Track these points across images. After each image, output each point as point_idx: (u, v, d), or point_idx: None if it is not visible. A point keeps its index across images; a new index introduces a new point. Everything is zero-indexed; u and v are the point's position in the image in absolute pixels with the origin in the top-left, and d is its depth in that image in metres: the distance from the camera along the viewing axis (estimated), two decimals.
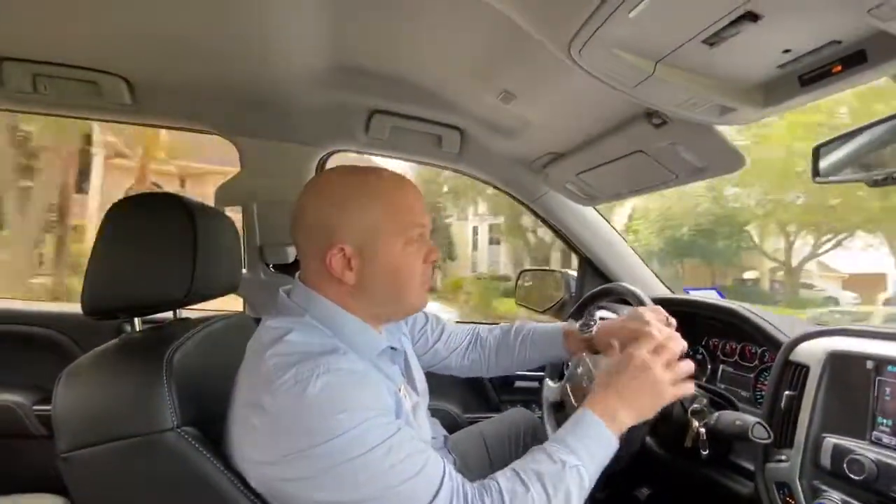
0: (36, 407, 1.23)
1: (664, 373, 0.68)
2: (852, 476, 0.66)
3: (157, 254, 0.69)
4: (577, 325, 0.92)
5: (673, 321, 0.81)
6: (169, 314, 0.83)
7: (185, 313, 0.87)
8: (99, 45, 0.98)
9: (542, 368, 1.21)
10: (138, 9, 0.84)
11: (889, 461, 0.63)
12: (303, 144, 1.34)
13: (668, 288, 1.56)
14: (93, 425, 0.60)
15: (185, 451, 0.59)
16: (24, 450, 1.22)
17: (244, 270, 1.37)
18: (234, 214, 1.28)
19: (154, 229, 0.69)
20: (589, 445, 0.64)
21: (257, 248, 1.36)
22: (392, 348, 0.72)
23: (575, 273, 1.68)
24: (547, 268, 1.75)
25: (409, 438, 0.57)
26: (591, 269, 1.59)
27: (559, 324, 0.99)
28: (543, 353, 0.98)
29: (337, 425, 0.52)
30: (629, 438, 0.69)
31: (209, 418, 0.63)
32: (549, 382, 1.17)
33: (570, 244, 1.60)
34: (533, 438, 1.14)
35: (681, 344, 0.73)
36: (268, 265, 1.37)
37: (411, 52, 1.00)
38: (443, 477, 0.56)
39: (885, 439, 0.67)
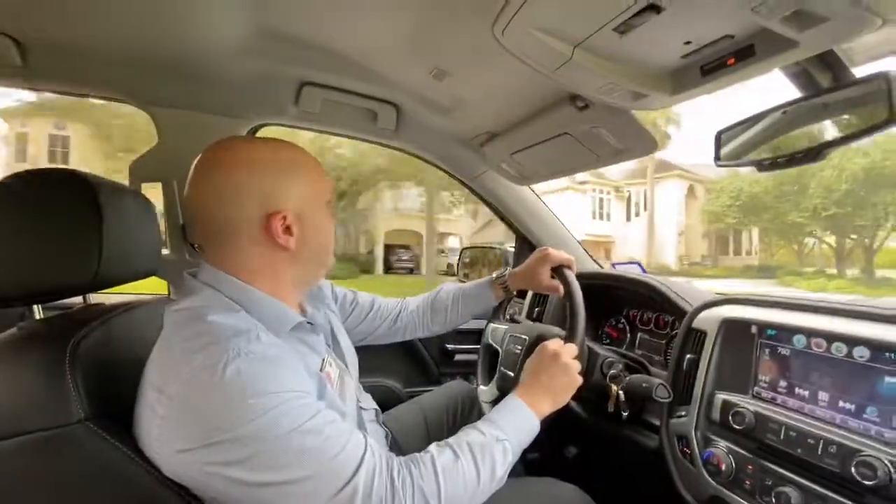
0: None
1: (572, 360, 0.80)
2: (736, 426, 0.75)
3: (55, 235, 0.63)
4: (496, 274, 1.13)
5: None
6: (78, 299, 0.77)
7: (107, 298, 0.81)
8: None
9: (478, 341, 1.28)
10: None
11: (765, 412, 0.73)
12: (228, 116, 1.26)
13: (598, 263, 1.65)
14: None
15: (96, 445, 0.56)
16: None
17: (166, 251, 1.29)
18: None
19: (51, 208, 0.63)
20: (514, 425, 0.71)
21: (179, 228, 1.28)
22: (309, 323, 0.72)
23: (513, 249, 1.74)
24: (486, 244, 1.80)
25: (329, 420, 0.57)
26: (527, 245, 1.65)
27: (484, 279, 1.15)
28: (476, 303, 1.12)
29: (249, 411, 0.52)
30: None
31: (122, 409, 0.60)
32: (482, 387, 1.22)
33: (508, 221, 1.65)
34: (471, 409, 1.20)
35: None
36: (193, 246, 1.30)
37: (341, 21, 0.96)
38: (363, 455, 0.57)
39: (764, 394, 0.77)
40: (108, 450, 0.56)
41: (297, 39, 1.02)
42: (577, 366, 0.81)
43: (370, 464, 0.57)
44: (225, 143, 0.69)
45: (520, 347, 1.03)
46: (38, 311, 0.69)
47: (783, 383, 0.75)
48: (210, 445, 0.52)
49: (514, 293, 1.16)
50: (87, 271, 0.65)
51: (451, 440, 0.67)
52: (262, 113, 1.30)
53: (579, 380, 0.81)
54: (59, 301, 0.69)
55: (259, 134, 1.36)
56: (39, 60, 1.02)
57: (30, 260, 0.62)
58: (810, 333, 0.72)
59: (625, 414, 0.91)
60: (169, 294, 1.30)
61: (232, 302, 0.63)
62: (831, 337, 0.69)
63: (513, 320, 1.46)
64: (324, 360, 0.71)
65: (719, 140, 0.85)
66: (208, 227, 0.66)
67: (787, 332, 0.75)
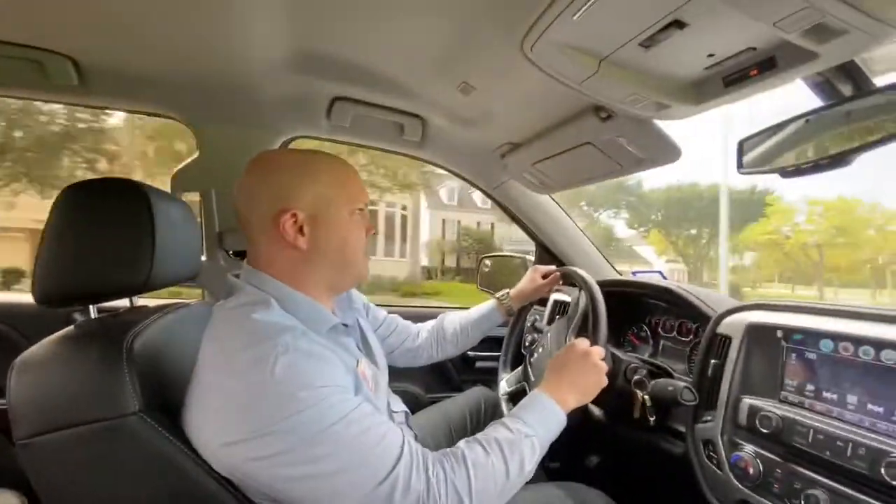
0: None
1: (601, 362, 0.82)
2: (763, 430, 0.75)
3: (113, 239, 0.67)
4: (498, 295, 1.22)
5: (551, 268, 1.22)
6: (124, 302, 0.82)
7: (141, 301, 0.86)
8: (44, 23, 0.93)
9: (496, 347, 1.31)
10: None
11: (792, 416, 0.73)
12: (263, 130, 1.33)
13: (618, 271, 1.66)
14: (52, 412, 0.59)
15: (149, 436, 0.59)
16: None
17: (203, 258, 1.35)
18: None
19: (109, 215, 0.68)
20: (541, 420, 0.73)
21: (216, 235, 1.34)
22: (344, 325, 0.74)
23: (532, 258, 1.76)
24: (506, 253, 1.82)
25: (368, 413, 0.59)
26: (547, 253, 1.67)
27: (490, 301, 1.23)
28: (485, 325, 1.20)
29: (297, 403, 0.54)
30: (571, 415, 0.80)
31: (171, 404, 0.63)
32: (503, 383, 1.24)
33: (528, 230, 1.67)
34: (493, 415, 1.21)
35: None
36: (227, 252, 1.36)
37: (371, 40, 1.01)
38: (402, 446, 0.59)
39: (791, 398, 0.78)
40: (159, 441, 0.59)
41: (331, 57, 1.07)
42: (605, 367, 0.82)
43: (408, 457, 0.59)
44: (260, 153, 0.73)
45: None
46: (93, 311, 0.74)
47: (810, 387, 0.75)
48: (257, 438, 0.54)
49: (516, 311, 1.24)
50: (140, 274, 0.69)
51: (479, 436, 0.69)
52: (295, 127, 1.36)
53: (606, 380, 0.82)
54: (107, 303, 0.73)
55: (292, 146, 1.42)
56: (94, 79, 1.10)
57: (92, 263, 0.66)
58: (837, 337, 0.73)
59: (651, 419, 0.91)
60: (203, 298, 1.36)
61: (272, 299, 0.66)
62: (859, 340, 0.70)
63: (534, 328, 1.48)
64: (358, 361, 0.73)
65: (741, 148, 0.87)
66: (242, 228, 0.71)
67: (814, 336, 0.76)
